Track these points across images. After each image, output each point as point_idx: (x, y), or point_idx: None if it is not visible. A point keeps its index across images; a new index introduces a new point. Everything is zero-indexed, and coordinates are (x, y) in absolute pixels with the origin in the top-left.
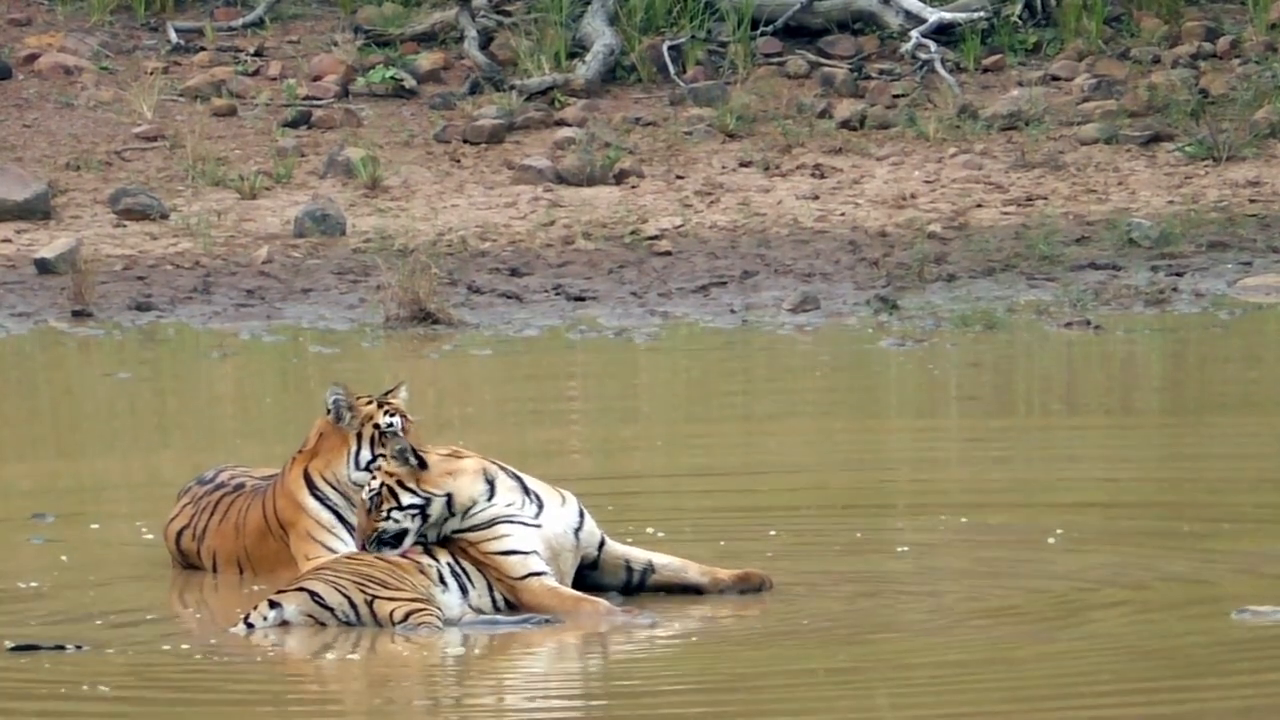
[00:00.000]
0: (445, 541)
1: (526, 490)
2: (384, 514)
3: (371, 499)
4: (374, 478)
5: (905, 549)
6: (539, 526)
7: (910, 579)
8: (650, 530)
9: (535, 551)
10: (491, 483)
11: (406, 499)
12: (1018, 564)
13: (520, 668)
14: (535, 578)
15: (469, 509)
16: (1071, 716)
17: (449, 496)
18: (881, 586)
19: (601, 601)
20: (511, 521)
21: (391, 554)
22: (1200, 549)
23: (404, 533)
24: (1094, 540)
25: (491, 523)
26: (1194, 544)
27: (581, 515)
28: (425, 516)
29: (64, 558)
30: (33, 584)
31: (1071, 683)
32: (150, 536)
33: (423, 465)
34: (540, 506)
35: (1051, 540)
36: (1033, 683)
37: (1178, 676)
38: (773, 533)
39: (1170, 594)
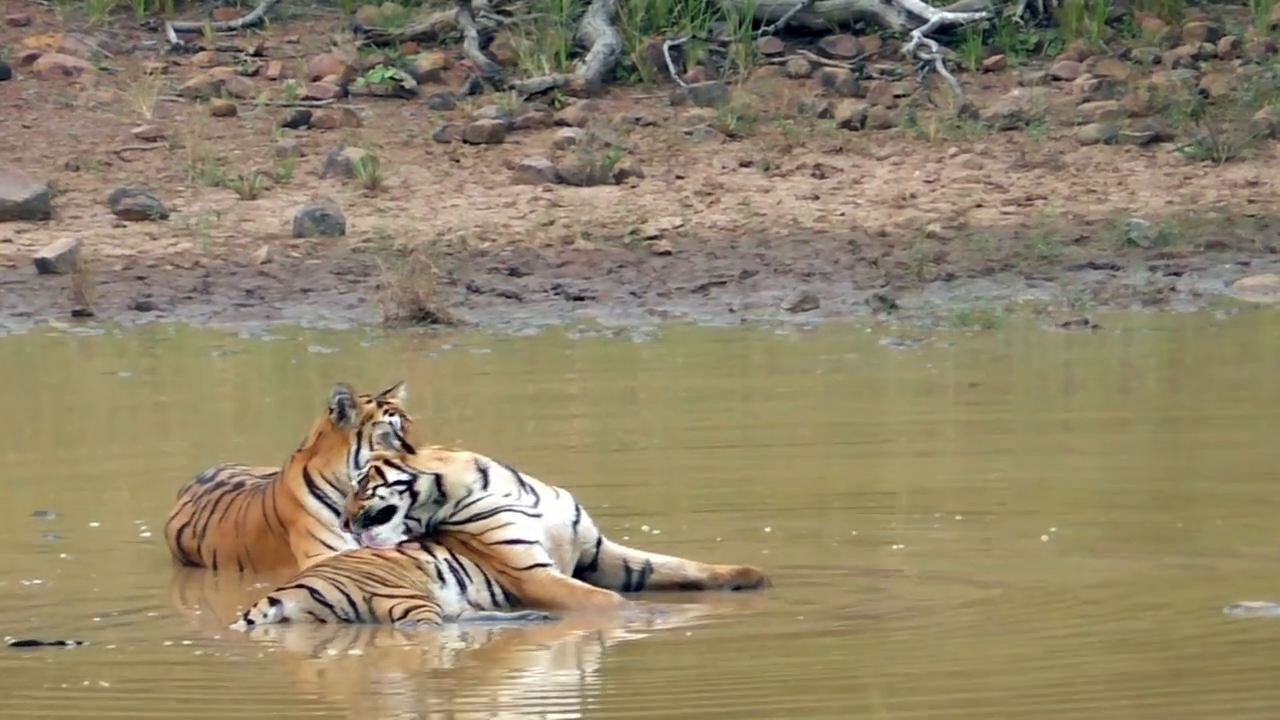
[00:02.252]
0: (442, 536)
1: (522, 482)
2: (369, 492)
3: (359, 482)
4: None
5: (901, 546)
6: (539, 516)
7: (905, 577)
8: (645, 528)
9: (539, 542)
10: (484, 471)
11: (392, 475)
12: (1013, 561)
13: (518, 667)
14: (541, 569)
15: (463, 498)
16: (1065, 713)
17: (438, 476)
18: (877, 584)
19: (614, 594)
20: (513, 510)
21: (374, 539)
22: (1194, 546)
23: (390, 510)
24: (1088, 538)
25: (493, 512)
26: (1187, 541)
27: (578, 510)
28: (414, 495)
29: (64, 555)
30: (35, 580)
31: (1065, 679)
32: (148, 534)
33: (410, 450)
34: (537, 498)
35: (1045, 538)
36: (1027, 679)
37: (1171, 672)
38: (768, 530)
39: (1163, 590)
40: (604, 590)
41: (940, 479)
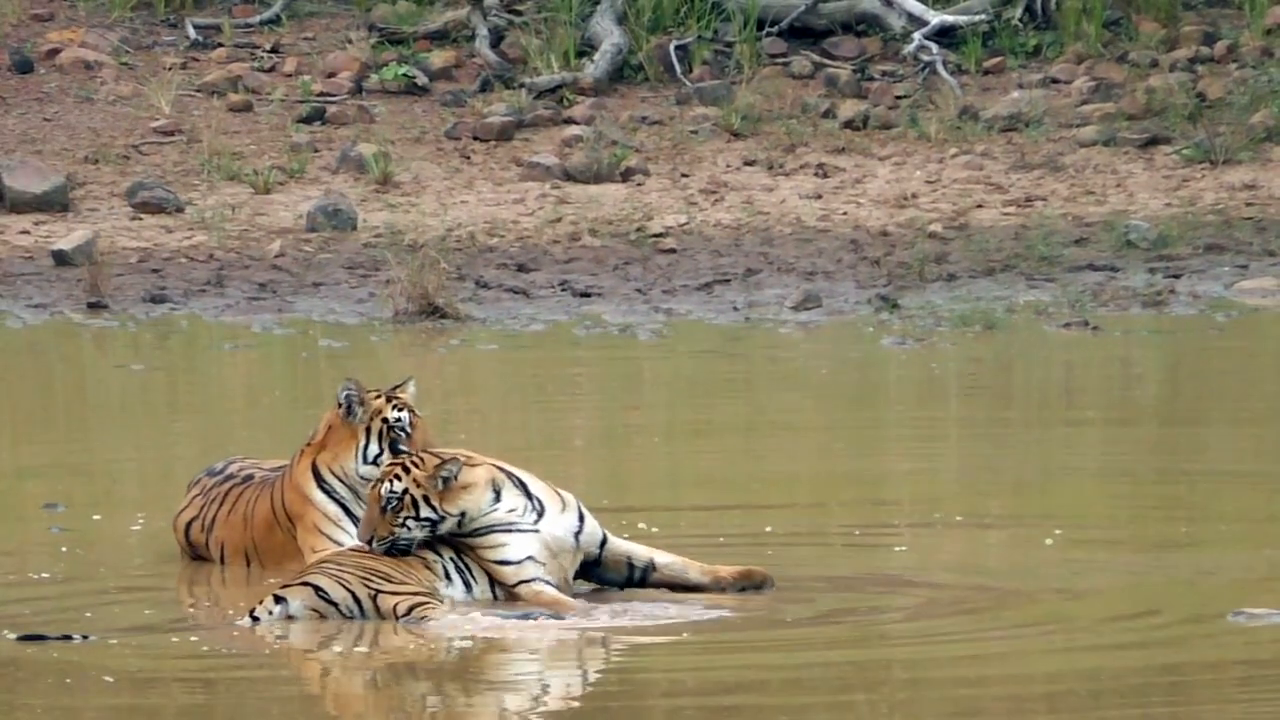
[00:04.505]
0: (449, 537)
1: (530, 496)
2: (400, 520)
3: (390, 501)
4: (396, 479)
5: (903, 548)
6: (536, 531)
7: (907, 578)
8: (642, 525)
9: (530, 557)
10: (498, 492)
11: (425, 512)
12: (1015, 564)
13: (518, 665)
14: (524, 585)
15: (474, 516)
16: (1068, 718)
17: (461, 515)
18: (878, 586)
19: (577, 603)
20: (509, 530)
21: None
22: (1197, 551)
23: (412, 542)
24: (1091, 542)
25: (489, 530)
26: (1190, 546)
27: (581, 519)
28: (434, 530)
29: (70, 548)
30: (43, 575)
31: (1069, 684)
32: (138, 528)
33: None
34: (541, 513)
35: (1049, 541)
36: (1029, 684)
37: (1174, 679)
38: (768, 529)
39: (1166, 596)
40: (569, 600)
41: (942, 480)
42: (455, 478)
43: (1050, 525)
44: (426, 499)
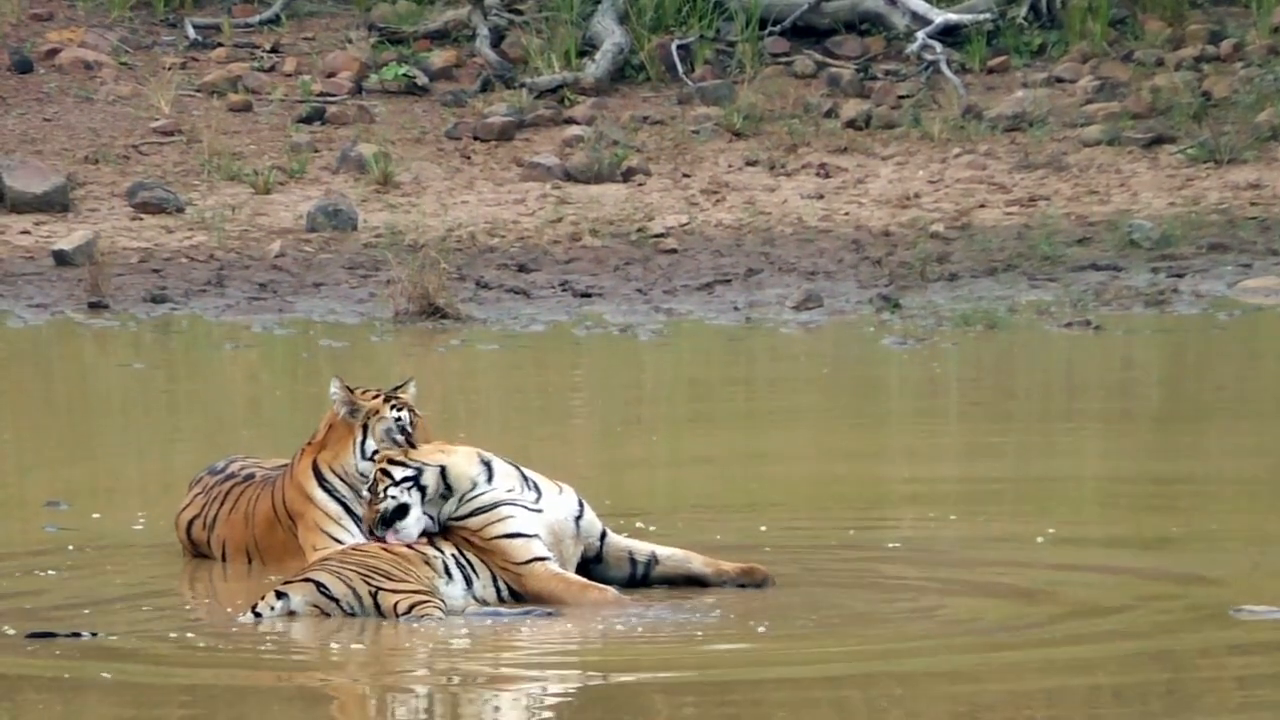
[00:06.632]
0: (448, 533)
1: (524, 478)
2: (380, 494)
3: (370, 488)
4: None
5: (897, 546)
6: (540, 512)
7: (902, 576)
8: (640, 525)
9: (538, 535)
10: (488, 464)
11: (399, 473)
12: (1012, 564)
13: (518, 664)
14: (540, 562)
15: (468, 491)
16: (1066, 717)
17: (442, 468)
18: (874, 584)
19: (610, 590)
20: (514, 505)
21: (399, 534)
22: (1196, 549)
23: (405, 507)
24: (1090, 540)
25: (494, 506)
26: (1190, 544)
27: (581, 505)
28: (422, 489)
29: (74, 545)
30: (49, 571)
31: (1066, 683)
32: (139, 526)
33: (412, 446)
34: (539, 494)
35: (1040, 539)
36: (1026, 683)
37: (1174, 676)
38: (763, 528)
39: (1167, 593)
40: (601, 586)
41: (940, 478)
42: (410, 425)
43: (1049, 524)
44: (392, 461)
